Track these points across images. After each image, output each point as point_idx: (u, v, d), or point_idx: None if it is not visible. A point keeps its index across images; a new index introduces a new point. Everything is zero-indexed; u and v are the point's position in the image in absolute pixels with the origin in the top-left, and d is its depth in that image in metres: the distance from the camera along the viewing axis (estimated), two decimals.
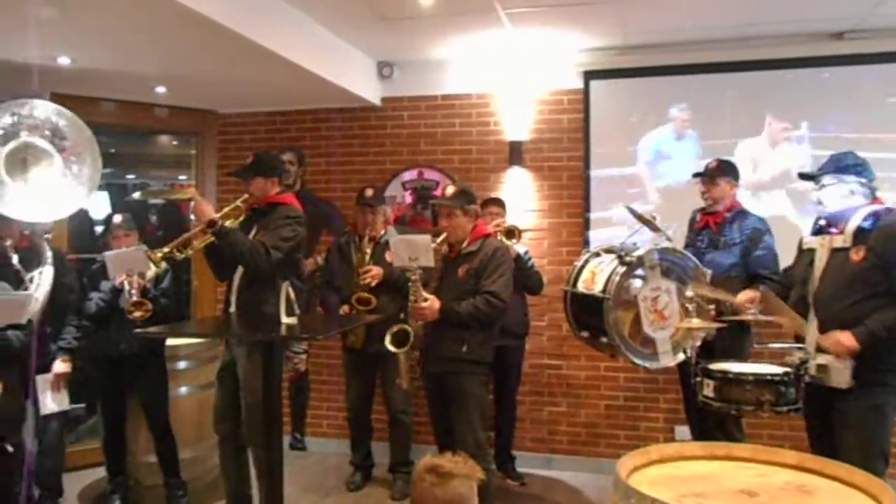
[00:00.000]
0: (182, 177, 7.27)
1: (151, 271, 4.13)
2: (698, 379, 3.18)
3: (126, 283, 3.98)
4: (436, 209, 4.15)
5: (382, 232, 4.57)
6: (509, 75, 5.14)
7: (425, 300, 3.71)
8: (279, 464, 3.24)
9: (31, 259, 3.92)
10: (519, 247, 4.52)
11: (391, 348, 3.84)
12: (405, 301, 3.89)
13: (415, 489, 1.98)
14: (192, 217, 4.07)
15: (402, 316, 3.94)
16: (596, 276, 3.72)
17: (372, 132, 5.48)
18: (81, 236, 5.61)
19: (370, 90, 5.30)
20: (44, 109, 3.86)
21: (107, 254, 4.02)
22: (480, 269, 3.75)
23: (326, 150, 5.55)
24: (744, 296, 3.62)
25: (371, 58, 5.29)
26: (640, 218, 3.88)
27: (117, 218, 4.31)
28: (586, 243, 4.93)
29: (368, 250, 4.54)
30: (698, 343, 3.50)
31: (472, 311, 3.64)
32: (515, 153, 5.13)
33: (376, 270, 4.42)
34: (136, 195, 6.54)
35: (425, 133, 5.37)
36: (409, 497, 4.68)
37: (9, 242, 3.82)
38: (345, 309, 4.47)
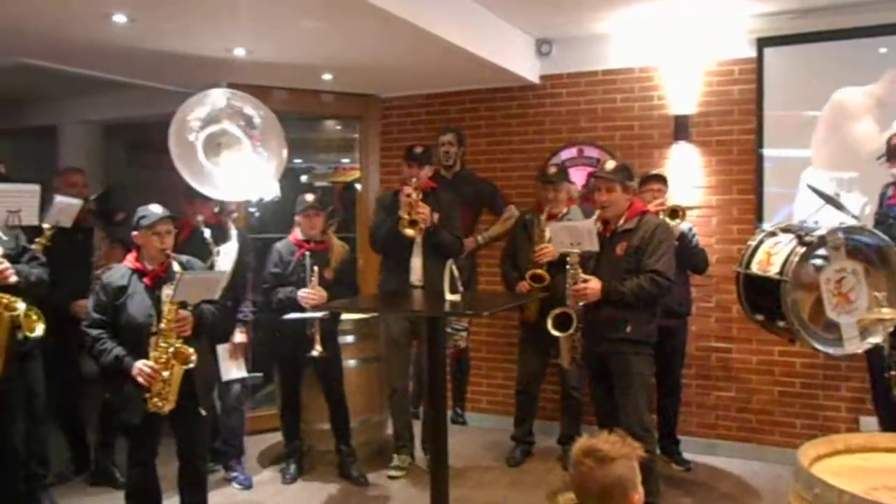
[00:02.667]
0: (345, 160, 7.60)
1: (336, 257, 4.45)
2: (893, 373, 2.92)
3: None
4: (593, 183, 4.07)
5: (564, 210, 4.52)
6: (674, 47, 4.93)
7: (584, 281, 3.67)
8: (444, 433, 3.35)
9: (218, 235, 4.28)
10: (684, 223, 4.35)
11: (554, 332, 3.82)
12: None
13: (574, 472, 1.93)
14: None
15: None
16: (772, 257, 3.50)
17: (531, 111, 5.45)
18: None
19: (529, 68, 5.27)
20: (240, 99, 4.22)
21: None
22: (641, 247, 3.65)
23: (486, 129, 5.59)
24: None
25: (530, 35, 5.25)
26: (822, 195, 3.61)
27: (309, 197, 4.43)
28: (759, 221, 4.66)
29: (547, 228, 4.47)
30: (891, 329, 3.22)
31: (636, 290, 3.56)
32: (681, 128, 4.92)
33: (550, 249, 4.34)
34: (304, 178, 6.94)
35: (585, 110, 5.28)
36: None
37: (200, 218, 4.19)
38: (522, 285, 4.47)
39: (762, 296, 3.52)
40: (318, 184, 7.13)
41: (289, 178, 6.92)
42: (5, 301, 2.93)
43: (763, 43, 4.74)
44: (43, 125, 7.18)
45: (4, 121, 7.20)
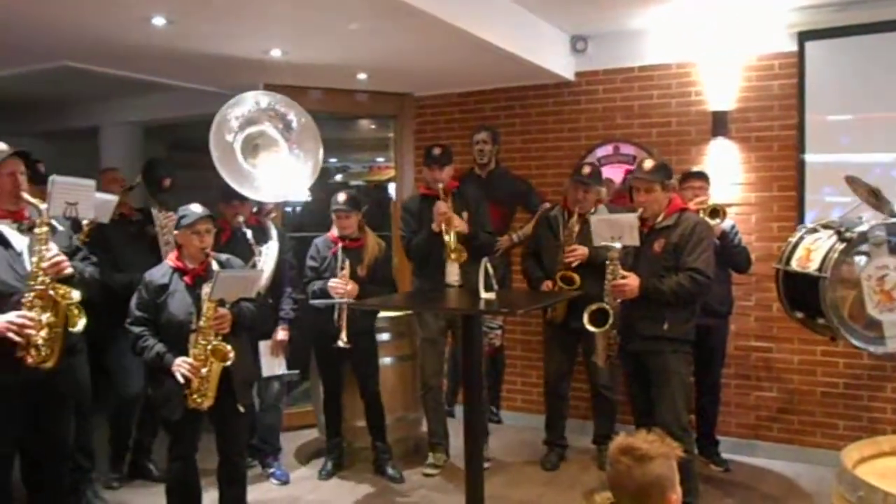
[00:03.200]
0: (380, 159, 7.63)
1: (370, 254, 4.49)
2: None
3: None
4: (631, 183, 4.03)
5: (592, 210, 4.46)
6: (713, 42, 4.86)
7: (623, 277, 3.63)
8: (481, 430, 3.35)
9: (259, 235, 4.34)
10: (726, 221, 4.29)
11: (590, 328, 3.79)
12: None
13: (611, 470, 1.90)
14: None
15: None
16: (811, 253, 3.45)
17: (566, 108, 5.42)
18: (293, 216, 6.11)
19: (564, 65, 5.24)
20: (279, 101, 4.29)
21: None
22: (680, 245, 3.61)
23: (521, 127, 5.58)
24: None
25: (564, 32, 5.22)
26: (862, 189, 3.53)
27: (340, 197, 4.42)
28: (801, 219, 4.57)
29: (577, 228, 4.42)
30: None
31: (675, 288, 3.51)
32: (719, 124, 4.84)
33: (581, 251, 4.33)
34: (338, 178, 6.99)
35: (621, 107, 5.23)
36: None
37: (241, 219, 4.25)
38: (547, 284, 4.44)
39: (802, 293, 3.47)
40: (352, 182, 7.18)
41: (323, 177, 7.02)
42: (62, 291, 3.00)
43: (804, 37, 4.64)
44: (85, 126, 7.34)
45: (49, 123, 7.38)
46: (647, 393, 3.71)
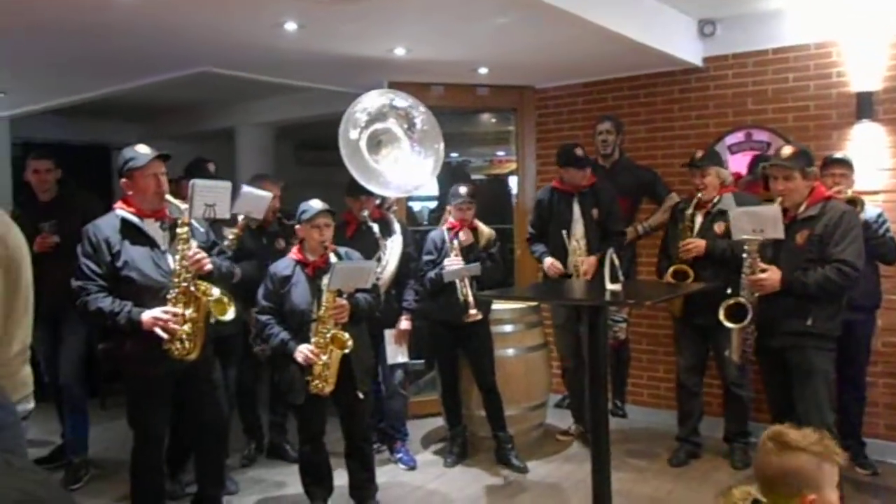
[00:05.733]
0: (500, 152, 7.64)
1: (484, 238, 4.52)
2: None
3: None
4: (768, 172, 3.84)
5: (716, 198, 4.31)
6: (857, 18, 4.55)
7: (763, 271, 3.48)
8: (604, 422, 3.31)
9: (383, 229, 4.47)
10: (871, 210, 4.03)
11: (726, 323, 3.65)
12: (731, 274, 3.70)
13: (756, 456, 1.87)
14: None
15: (728, 290, 3.72)
16: None
17: (693, 95, 5.24)
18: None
19: (691, 51, 5.06)
20: (403, 99, 4.41)
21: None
22: (825, 236, 3.42)
23: (646, 116, 5.44)
24: None
25: (691, 17, 5.04)
26: None
27: (462, 189, 4.51)
28: None
29: (698, 219, 4.30)
30: None
31: (821, 281, 3.33)
32: (865, 106, 4.53)
33: (696, 244, 4.21)
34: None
35: (753, 91, 5.00)
36: (748, 466, 4.55)
37: (366, 213, 4.39)
38: (667, 278, 4.35)
39: None
40: (474, 176, 7.24)
41: (444, 171, 7.12)
42: (203, 287, 3.21)
43: None
44: (220, 128, 7.79)
45: (190, 125, 7.88)
46: (786, 391, 3.54)
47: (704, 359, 4.53)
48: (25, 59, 4.77)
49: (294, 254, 3.70)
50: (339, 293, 3.52)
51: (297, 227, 3.68)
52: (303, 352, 3.49)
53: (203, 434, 3.55)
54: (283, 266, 3.68)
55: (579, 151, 4.57)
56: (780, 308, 3.47)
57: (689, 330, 4.42)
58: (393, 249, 4.47)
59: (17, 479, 0.63)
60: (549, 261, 4.61)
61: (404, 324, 4.57)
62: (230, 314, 3.27)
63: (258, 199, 4.08)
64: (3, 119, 6.50)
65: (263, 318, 3.65)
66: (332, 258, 3.63)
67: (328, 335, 3.48)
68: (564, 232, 4.58)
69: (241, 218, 3.98)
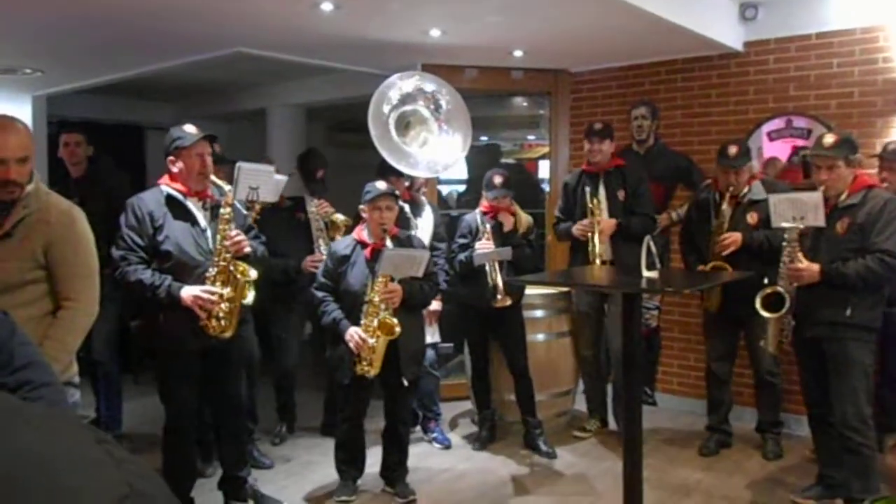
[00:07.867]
0: (531, 136, 7.57)
1: (523, 225, 4.50)
2: None
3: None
4: (810, 161, 3.75)
5: (745, 190, 4.23)
6: None
7: (801, 261, 3.41)
8: (638, 410, 3.28)
9: (414, 209, 4.46)
10: None
11: (764, 313, 3.58)
12: (767, 265, 3.64)
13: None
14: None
15: (765, 280, 3.66)
16: None
17: (732, 80, 5.14)
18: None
19: (731, 35, 4.96)
20: (432, 82, 4.42)
21: None
22: (867, 225, 3.33)
23: (682, 101, 5.35)
24: None
25: (733, 0, 4.94)
26: None
27: (497, 179, 4.44)
28: None
29: (729, 213, 4.22)
30: None
31: (861, 271, 3.25)
32: None
33: (733, 238, 4.13)
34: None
35: (795, 77, 4.88)
36: (780, 458, 4.47)
37: (397, 193, 4.37)
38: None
39: None
40: (504, 160, 7.19)
41: (473, 154, 7.08)
42: (241, 268, 3.23)
43: None
44: (252, 109, 7.81)
45: (222, 106, 7.91)
46: (822, 382, 3.48)
47: (735, 347, 4.47)
48: (63, 41, 4.81)
49: (356, 233, 3.73)
50: (392, 278, 3.53)
51: (361, 206, 3.69)
52: (353, 336, 3.51)
53: (225, 413, 3.59)
54: (343, 245, 3.72)
55: (598, 125, 4.57)
56: (819, 298, 3.39)
57: (720, 318, 4.36)
58: (423, 230, 4.49)
59: (121, 472, 0.60)
60: (576, 227, 4.57)
61: (434, 304, 4.55)
62: (250, 298, 3.29)
63: (276, 182, 3.96)
64: (40, 97, 6.58)
65: (320, 294, 3.68)
66: (388, 243, 3.62)
67: (377, 319, 3.49)
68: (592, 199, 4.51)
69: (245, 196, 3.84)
